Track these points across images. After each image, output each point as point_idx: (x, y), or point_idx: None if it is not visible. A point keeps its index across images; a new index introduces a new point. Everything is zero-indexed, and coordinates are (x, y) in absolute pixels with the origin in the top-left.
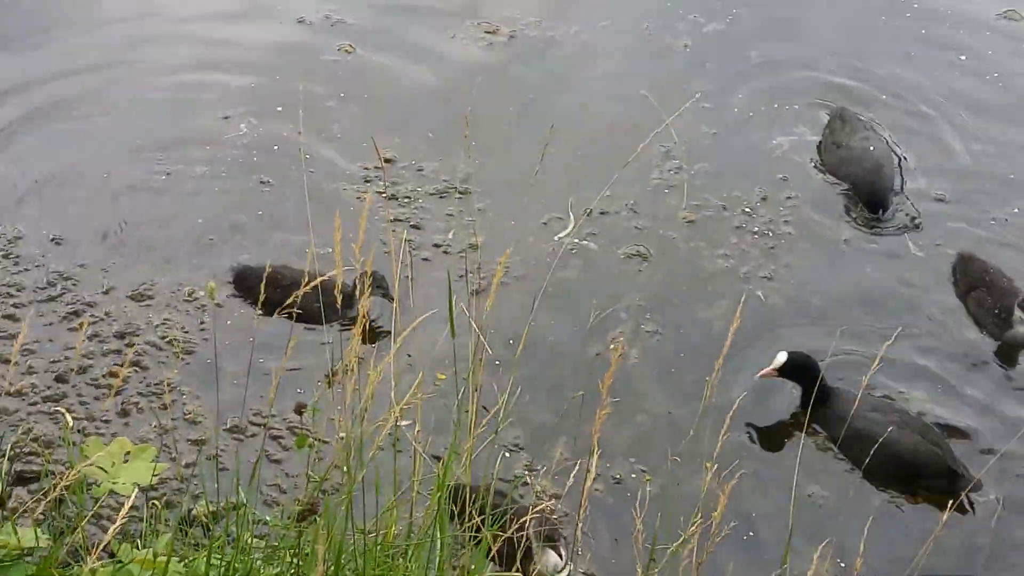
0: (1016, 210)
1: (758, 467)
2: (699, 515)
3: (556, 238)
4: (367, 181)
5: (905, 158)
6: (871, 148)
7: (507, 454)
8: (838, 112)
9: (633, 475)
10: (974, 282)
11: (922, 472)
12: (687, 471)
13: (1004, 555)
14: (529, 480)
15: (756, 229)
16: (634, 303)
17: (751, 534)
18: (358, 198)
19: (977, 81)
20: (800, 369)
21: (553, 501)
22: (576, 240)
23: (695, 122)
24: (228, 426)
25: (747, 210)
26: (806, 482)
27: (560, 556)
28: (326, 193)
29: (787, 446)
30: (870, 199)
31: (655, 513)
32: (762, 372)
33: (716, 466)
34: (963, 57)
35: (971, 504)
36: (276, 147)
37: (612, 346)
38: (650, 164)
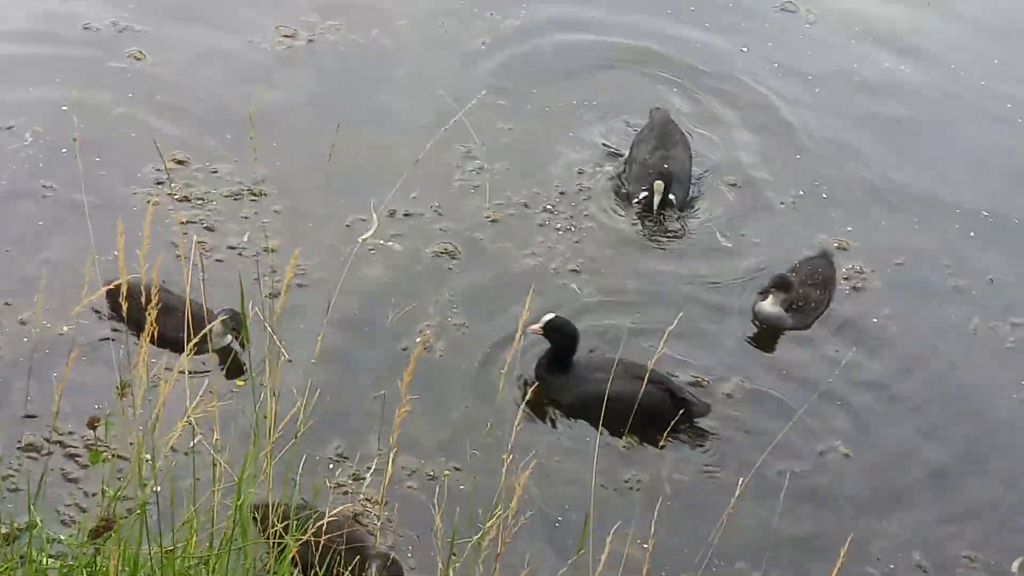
0: (801, 192)
1: (559, 454)
2: (498, 507)
3: (360, 239)
4: (159, 184)
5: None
6: (665, 167)
7: (331, 465)
8: (653, 122)
9: (446, 471)
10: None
11: (655, 411)
12: (494, 463)
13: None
14: (334, 485)
15: (559, 225)
16: (443, 299)
17: (559, 520)
18: (148, 201)
19: (761, 69)
20: (558, 333)
21: (364, 505)
22: (380, 241)
23: (493, 120)
24: (22, 444)
25: (548, 207)
26: (613, 466)
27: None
28: (115, 197)
29: (587, 430)
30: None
31: (461, 507)
32: (531, 327)
33: (512, 456)
34: (745, 49)
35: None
36: (64, 151)
37: (418, 339)
38: (452, 165)
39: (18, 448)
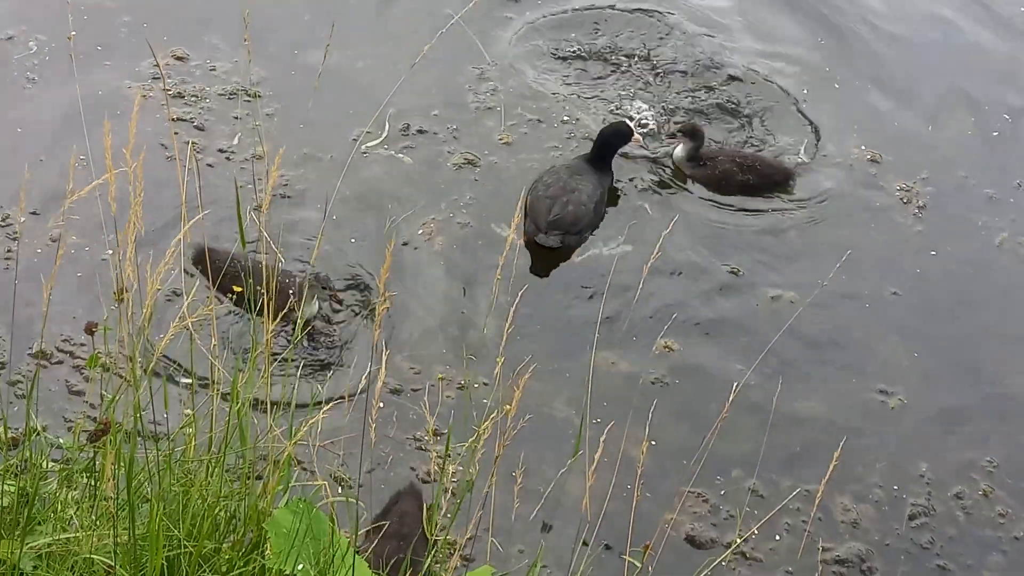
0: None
1: (555, 357)
2: (494, 411)
3: (365, 147)
4: (155, 79)
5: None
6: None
7: (329, 371)
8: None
9: (440, 374)
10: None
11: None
12: (488, 366)
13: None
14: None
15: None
16: (450, 203)
17: (556, 421)
18: (143, 96)
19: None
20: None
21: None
22: (392, 152)
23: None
24: (33, 351)
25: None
26: (608, 368)
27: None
28: (109, 91)
29: (581, 333)
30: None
31: (456, 410)
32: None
33: (504, 359)
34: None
35: None
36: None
37: (420, 231)
38: (464, 88)
39: (29, 354)
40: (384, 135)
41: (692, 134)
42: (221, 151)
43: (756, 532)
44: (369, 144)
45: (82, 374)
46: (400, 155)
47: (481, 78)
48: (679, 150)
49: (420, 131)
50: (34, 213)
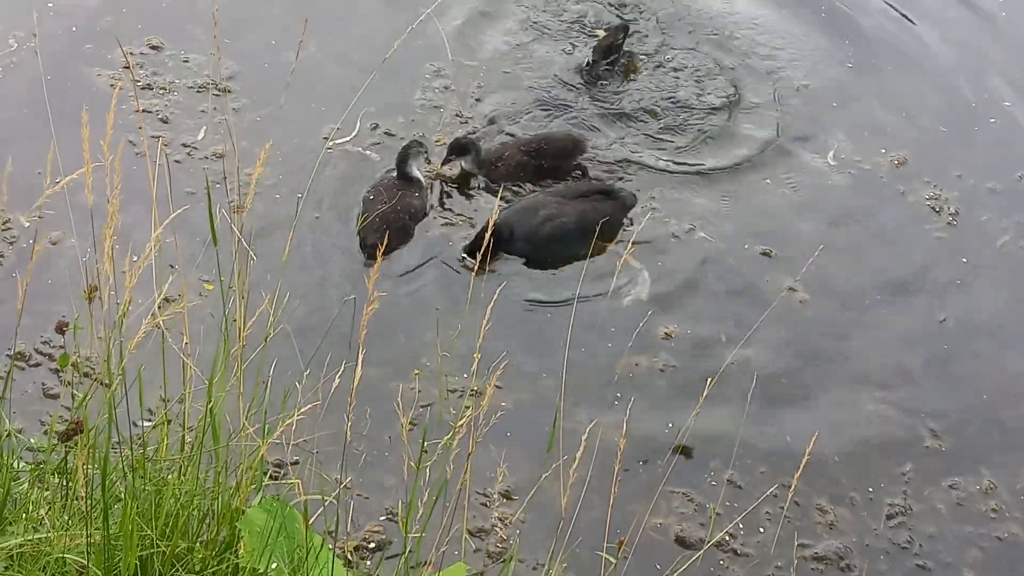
0: None
1: (528, 354)
2: (468, 408)
3: (333, 143)
4: (126, 68)
5: None
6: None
7: (303, 367)
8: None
9: (416, 371)
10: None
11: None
12: (465, 364)
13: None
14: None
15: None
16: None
17: (532, 415)
18: (111, 85)
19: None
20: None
21: None
22: (359, 149)
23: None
24: (12, 352)
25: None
26: (584, 359)
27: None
28: (79, 78)
29: (558, 324)
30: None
31: (431, 409)
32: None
33: (480, 356)
34: None
35: None
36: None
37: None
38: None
39: (7, 355)
40: (354, 133)
41: (460, 150)
42: (185, 145)
43: (740, 526)
44: (337, 141)
45: (59, 376)
46: (367, 151)
47: (438, 75)
48: (465, 166)
49: (388, 133)
50: (4, 210)
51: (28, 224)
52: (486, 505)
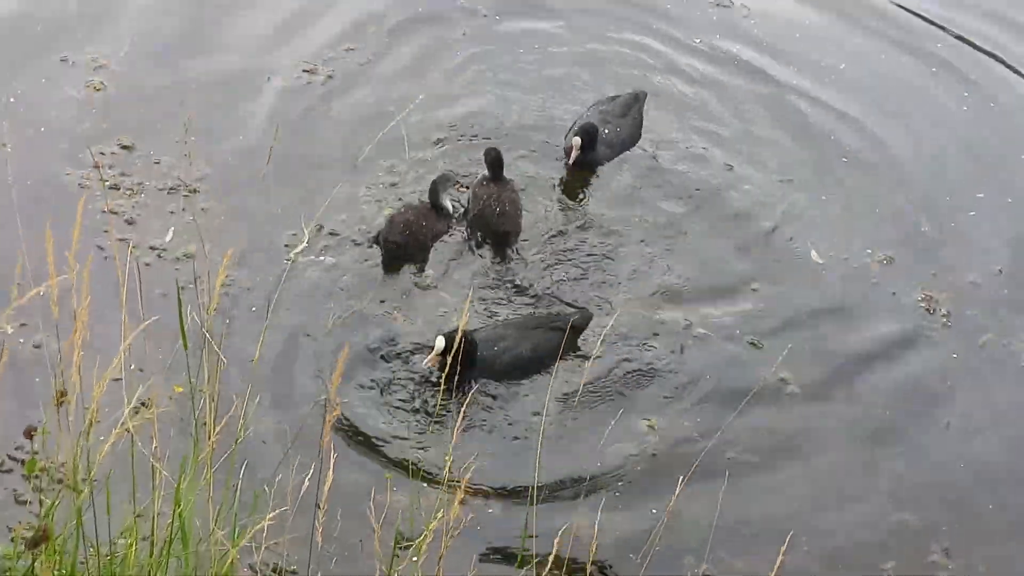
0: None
1: (499, 456)
2: (440, 512)
3: (290, 255)
4: (96, 167)
5: None
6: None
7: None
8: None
9: (388, 474)
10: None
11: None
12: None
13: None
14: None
15: None
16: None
17: (502, 511)
18: (80, 185)
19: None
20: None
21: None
22: (312, 257)
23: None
24: None
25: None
26: (553, 457)
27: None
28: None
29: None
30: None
31: (402, 511)
32: (427, 360)
33: (452, 459)
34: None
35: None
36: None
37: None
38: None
39: None
40: (303, 244)
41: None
42: (153, 248)
43: None
44: (296, 252)
45: (30, 483)
46: (322, 257)
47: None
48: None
49: (332, 233)
50: None
51: (12, 331)
52: None
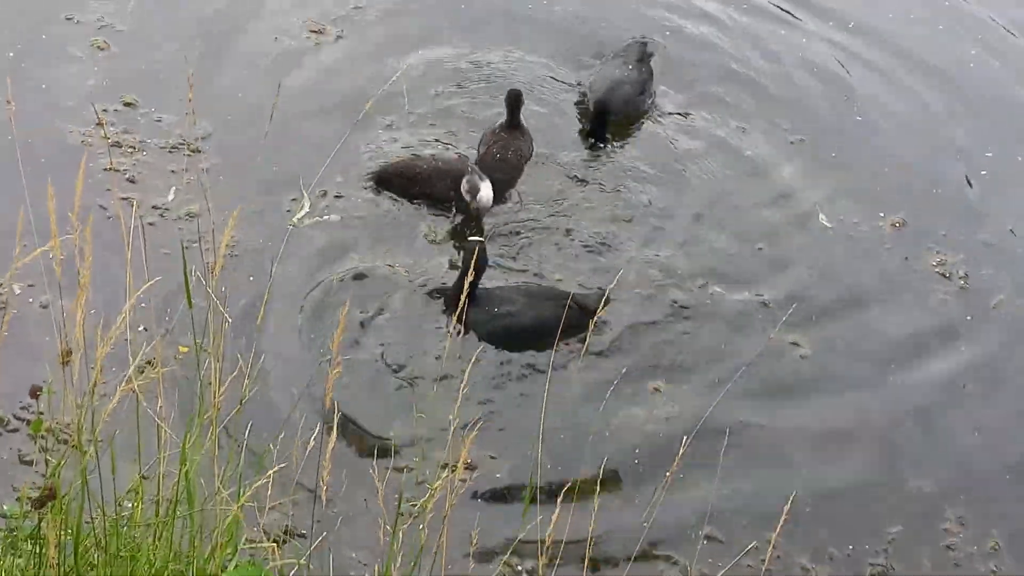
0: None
1: (507, 411)
2: (445, 470)
3: (293, 219)
4: (99, 125)
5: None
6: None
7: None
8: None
9: (391, 434)
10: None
11: (566, 328)
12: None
13: None
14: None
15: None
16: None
17: (507, 477)
18: (83, 142)
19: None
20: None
21: None
22: (317, 218)
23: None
24: None
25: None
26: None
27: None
28: (51, 133)
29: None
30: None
31: (407, 471)
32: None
33: (457, 420)
34: None
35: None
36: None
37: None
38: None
39: None
40: (304, 209)
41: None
42: (156, 207)
43: None
44: (299, 216)
45: (36, 443)
46: (326, 216)
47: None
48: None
49: (337, 196)
50: None
51: (19, 291)
52: (463, 569)
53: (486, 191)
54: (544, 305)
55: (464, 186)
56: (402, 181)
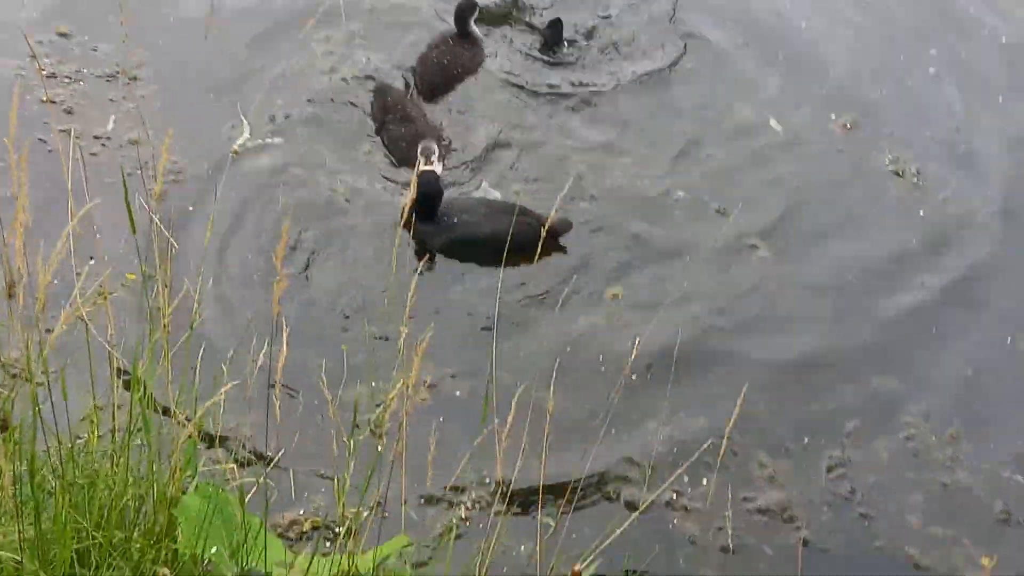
0: None
1: (459, 322)
2: (399, 380)
3: (234, 146)
4: (32, 58)
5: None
6: None
7: (229, 352)
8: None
9: (344, 345)
10: (388, 112)
11: (526, 241)
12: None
13: None
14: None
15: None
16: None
17: (464, 388)
18: (16, 75)
19: None
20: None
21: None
22: (259, 141)
23: None
24: None
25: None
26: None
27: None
28: None
29: (487, 292)
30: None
31: (361, 382)
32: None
33: (408, 331)
34: None
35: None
36: None
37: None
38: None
39: None
40: (245, 134)
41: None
42: (96, 137)
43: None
44: (239, 143)
45: None
46: (269, 139)
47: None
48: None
49: (276, 118)
50: None
51: None
52: (422, 477)
53: (431, 167)
54: (504, 219)
55: (420, 148)
56: (382, 102)
